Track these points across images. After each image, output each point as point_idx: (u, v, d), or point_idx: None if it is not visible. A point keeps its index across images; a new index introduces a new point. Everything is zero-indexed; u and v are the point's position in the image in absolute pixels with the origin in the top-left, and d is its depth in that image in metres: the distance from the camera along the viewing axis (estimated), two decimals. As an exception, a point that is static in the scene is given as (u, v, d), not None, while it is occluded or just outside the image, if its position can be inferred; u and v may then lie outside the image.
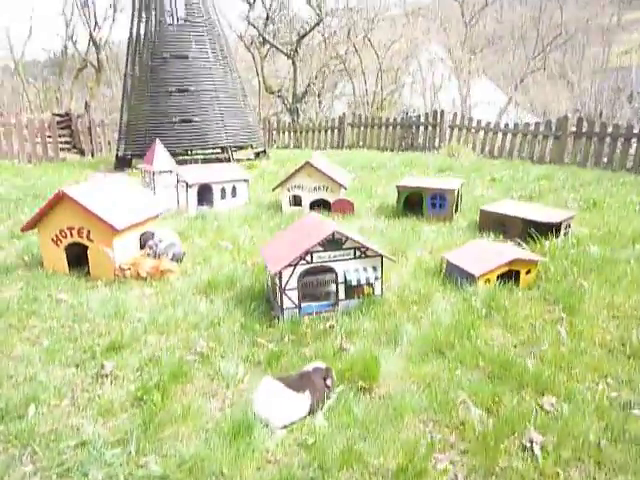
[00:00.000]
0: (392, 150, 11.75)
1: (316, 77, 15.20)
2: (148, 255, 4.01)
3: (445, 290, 3.36)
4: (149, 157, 5.63)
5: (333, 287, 3.13)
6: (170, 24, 9.33)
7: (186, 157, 9.63)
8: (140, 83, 9.44)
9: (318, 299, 3.24)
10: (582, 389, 2.27)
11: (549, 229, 4.22)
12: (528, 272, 3.45)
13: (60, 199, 3.73)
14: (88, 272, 3.84)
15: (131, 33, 9.61)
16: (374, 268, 3.11)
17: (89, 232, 3.75)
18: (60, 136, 11.84)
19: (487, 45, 22.39)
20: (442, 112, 11.50)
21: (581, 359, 2.50)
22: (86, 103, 12.05)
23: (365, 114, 14.51)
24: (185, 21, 9.43)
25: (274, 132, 14.02)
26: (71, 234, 3.80)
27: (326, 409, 2.15)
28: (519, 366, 2.39)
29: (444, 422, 2.07)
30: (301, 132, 13.61)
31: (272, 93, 15.75)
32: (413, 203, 5.35)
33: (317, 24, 14.11)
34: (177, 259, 4.03)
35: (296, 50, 13.99)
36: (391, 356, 2.58)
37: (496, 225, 4.62)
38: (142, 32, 9.46)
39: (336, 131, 13.04)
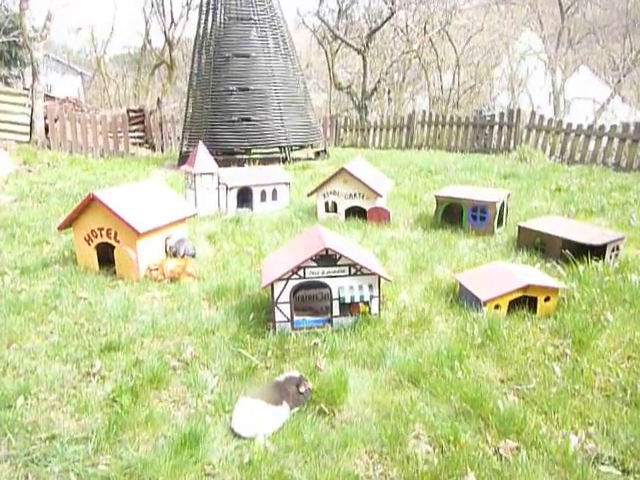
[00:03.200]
0: (462, 152, 11.48)
1: (386, 73, 15.13)
2: (173, 256, 4.34)
3: (449, 314, 3.32)
4: (191, 159, 6.00)
5: (328, 303, 3.21)
6: (234, 22, 9.77)
7: (245, 156, 10.05)
8: (203, 81, 9.99)
9: (317, 313, 3.36)
10: (555, 436, 2.18)
11: (591, 251, 3.99)
12: (547, 299, 3.31)
13: (91, 201, 4.13)
14: (115, 271, 4.22)
15: (198, 32, 10.18)
16: (370, 286, 3.16)
17: (116, 233, 4.12)
18: (134, 131, 12.84)
19: (589, 33, 20.94)
20: (518, 111, 11.03)
21: (568, 402, 2.39)
22: (158, 99, 12.95)
23: (438, 112, 14.23)
24: (249, 19, 9.82)
25: (341, 130, 14.17)
26: (100, 234, 4.18)
27: (276, 430, 2.25)
28: (490, 404, 2.34)
29: (390, 455, 2.10)
30: (368, 130, 13.66)
31: (341, 89, 15.90)
32: (454, 214, 5.25)
33: (389, 18, 14.01)
34: (189, 256, 4.33)
35: (367, 45, 14.03)
36: (365, 381, 2.62)
37: (535, 244, 4.43)
38: (208, 31, 9.99)
39: (405, 130, 12.95)
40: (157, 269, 4.14)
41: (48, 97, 14.21)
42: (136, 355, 2.93)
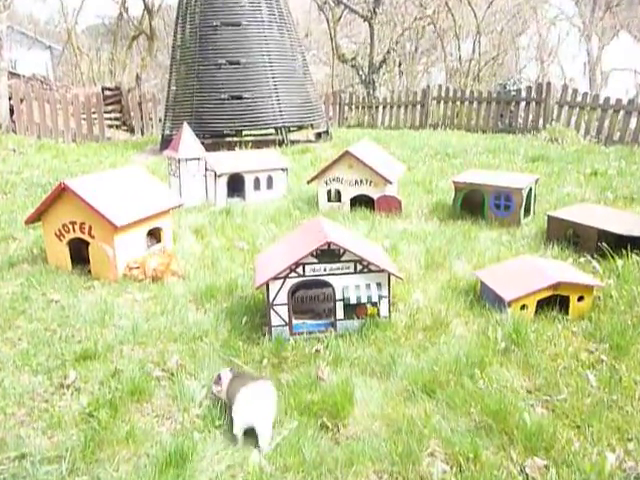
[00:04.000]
0: (484, 132, 11.49)
1: (397, 43, 15.13)
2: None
3: (469, 316, 3.34)
4: (175, 143, 6.02)
5: (331, 305, 3.23)
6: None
7: (236, 139, 10.07)
8: (188, 54, 10.00)
9: (319, 316, 3.38)
10: (589, 453, 2.19)
11: (631, 244, 4.00)
12: (581, 299, 3.32)
13: (62, 191, 4.15)
14: (90, 270, 4.24)
15: (181, -2, 10.18)
16: (378, 285, 3.17)
17: (90, 227, 4.14)
18: (110, 112, 12.85)
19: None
20: (548, 85, 11.01)
21: (605, 415, 2.40)
22: (137, 75, 12.98)
23: (456, 86, 14.23)
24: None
25: (346, 108, 14.21)
26: (73, 229, 4.20)
27: (273, 446, 2.28)
28: (516, 417, 2.35)
29: (402, 475, 2.12)
30: (377, 108, 13.69)
31: (345, 62, 15.91)
32: (474, 203, 5.27)
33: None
34: None
35: (374, 11, 14.02)
36: (373, 392, 2.64)
37: (567, 236, 4.44)
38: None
39: (418, 107, 12.95)
40: (138, 267, 4.17)
41: (12, 75, 14.23)
42: (115, 364, 2.95)
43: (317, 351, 3.00)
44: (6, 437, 2.43)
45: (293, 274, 3.10)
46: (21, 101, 11.23)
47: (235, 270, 4.20)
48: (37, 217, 4.35)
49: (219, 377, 2.55)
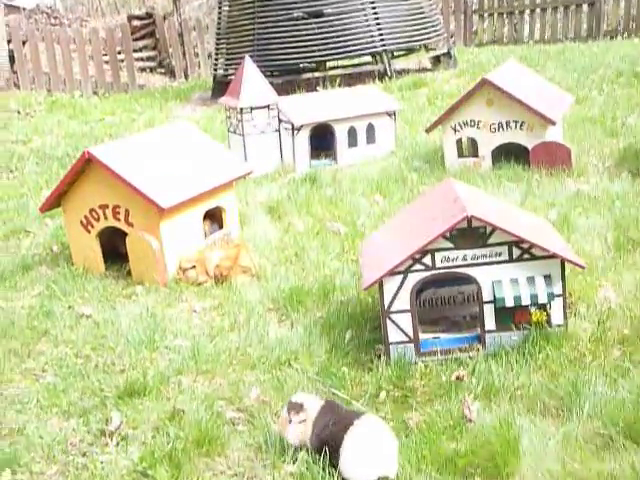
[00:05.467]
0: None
1: None
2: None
3: (691, 320, 3.17)
4: (234, 86, 6.10)
5: (476, 309, 3.16)
6: None
7: (317, 74, 10.08)
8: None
9: (458, 327, 3.32)
10: None
11: None
12: None
13: (87, 164, 4.31)
14: (130, 271, 4.40)
15: None
16: (547, 278, 3.07)
17: (127, 212, 4.28)
18: (140, 50, 13.26)
19: None
20: None
21: None
22: (174, -5, 13.26)
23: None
24: None
25: (475, 17, 14.00)
26: (104, 215, 4.38)
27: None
28: None
29: None
30: (521, 13, 13.41)
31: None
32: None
33: None
34: None
35: None
36: (548, 438, 2.56)
37: None
38: None
39: (585, 7, 12.52)
40: (194, 266, 4.26)
41: (10, 8, 14.99)
42: (172, 402, 3.04)
43: (459, 379, 2.96)
44: (35, 505, 2.57)
45: (417, 266, 3.07)
46: (23, 44, 11.76)
47: (330, 264, 4.22)
48: (56, 202, 4.56)
49: (300, 404, 2.57)
